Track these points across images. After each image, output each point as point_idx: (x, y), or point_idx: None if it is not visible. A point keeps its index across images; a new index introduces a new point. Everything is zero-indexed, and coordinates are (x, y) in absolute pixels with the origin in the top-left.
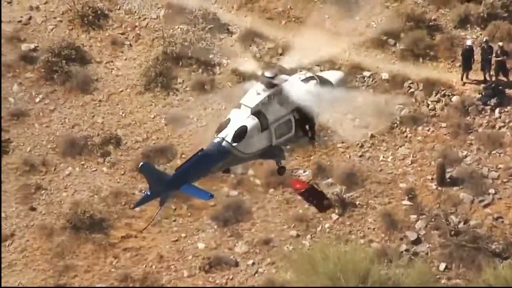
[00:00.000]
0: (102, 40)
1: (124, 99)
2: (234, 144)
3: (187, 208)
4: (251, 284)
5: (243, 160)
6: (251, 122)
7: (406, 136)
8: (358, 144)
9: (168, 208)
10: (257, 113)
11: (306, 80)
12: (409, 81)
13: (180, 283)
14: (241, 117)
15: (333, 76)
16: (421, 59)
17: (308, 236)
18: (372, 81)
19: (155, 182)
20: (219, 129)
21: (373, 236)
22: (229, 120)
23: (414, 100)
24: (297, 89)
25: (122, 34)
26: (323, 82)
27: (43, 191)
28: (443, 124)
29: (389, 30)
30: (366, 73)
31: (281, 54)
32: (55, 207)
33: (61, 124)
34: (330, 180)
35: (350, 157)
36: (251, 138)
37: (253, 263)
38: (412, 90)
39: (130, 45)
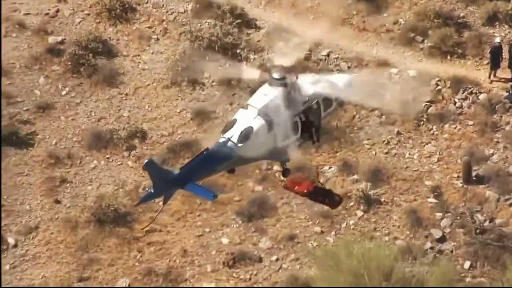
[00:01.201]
0: (129, 34)
1: (151, 93)
2: (240, 145)
3: (212, 202)
4: (275, 280)
5: (248, 161)
6: (257, 123)
7: (433, 133)
8: (384, 141)
9: (193, 203)
10: (263, 114)
11: (314, 82)
12: (437, 79)
13: (204, 278)
14: (248, 118)
15: (342, 79)
16: (448, 57)
17: (333, 233)
18: (399, 78)
19: (160, 180)
20: (225, 129)
21: (398, 233)
22: (235, 120)
23: (441, 98)
24: (305, 91)
25: (149, 27)
26: (331, 84)
27: (68, 184)
28: (470, 122)
29: (417, 27)
30: (394, 70)
31: (308, 50)
32: (79, 200)
33: (87, 117)
34: (355, 176)
35: (376, 154)
36: (257, 139)
37: (277, 259)
38: (439, 87)
39: (157, 39)
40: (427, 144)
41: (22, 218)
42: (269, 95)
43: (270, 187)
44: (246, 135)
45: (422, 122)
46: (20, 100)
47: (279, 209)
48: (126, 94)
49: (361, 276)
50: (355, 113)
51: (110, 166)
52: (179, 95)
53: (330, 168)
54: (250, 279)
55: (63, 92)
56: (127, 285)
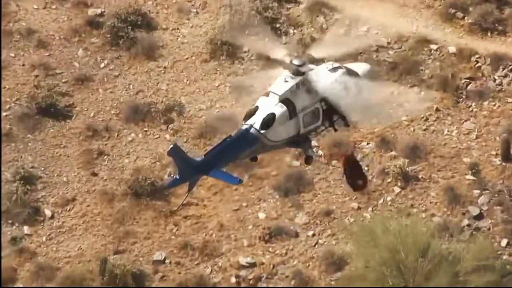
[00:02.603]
0: (169, 7)
1: (189, 67)
2: (262, 132)
3: (249, 177)
4: (311, 255)
5: (271, 148)
6: (279, 109)
7: (472, 110)
8: (422, 117)
9: None
10: (285, 101)
11: (334, 69)
12: (477, 55)
13: (240, 252)
14: (269, 105)
15: (360, 68)
16: (489, 33)
17: (370, 209)
18: (439, 54)
19: (184, 167)
20: (247, 116)
21: (435, 210)
22: (257, 107)
23: (480, 75)
24: (325, 78)
25: (189, 1)
26: (350, 72)
27: (105, 157)
28: (510, 100)
29: (457, 4)
30: (433, 46)
31: (348, 25)
32: (116, 173)
33: (125, 90)
34: (393, 153)
35: (414, 130)
36: (279, 126)
37: (313, 234)
38: (479, 64)
39: (197, 12)
40: (465, 121)
41: (59, 190)
42: (290, 82)
43: None
44: (268, 122)
45: (461, 99)
46: (59, 72)
47: (316, 184)
48: (165, 68)
49: (397, 252)
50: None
51: (148, 139)
52: (218, 69)
53: (368, 144)
54: (286, 253)
55: (102, 65)
56: (163, 258)
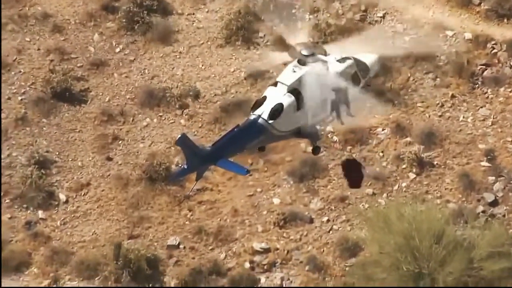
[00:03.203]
0: None
1: (204, 52)
2: (270, 122)
3: (264, 162)
4: (325, 241)
5: (279, 138)
6: (287, 99)
7: (488, 97)
8: (438, 103)
9: (245, 163)
10: (293, 91)
11: (342, 60)
12: (493, 42)
13: (254, 238)
14: (278, 95)
15: (369, 58)
16: (505, 20)
17: (384, 195)
18: (455, 40)
19: (192, 156)
20: (255, 106)
21: (450, 196)
22: (265, 97)
23: (496, 61)
24: (333, 69)
25: None
26: (359, 63)
27: (120, 142)
28: None
29: None
30: (449, 33)
31: (364, 11)
32: (131, 157)
33: (141, 75)
34: (408, 139)
35: (429, 116)
36: (287, 116)
37: (328, 220)
38: (495, 50)
39: None
40: (481, 107)
41: (74, 175)
42: (298, 72)
43: (322, 148)
44: (276, 112)
45: (477, 85)
46: (74, 57)
47: (330, 170)
48: (180, 53)
49: (411, 238)
50: (409, 75)
51: (163, 124)
52: (233, 54)
53: (383, 130)
54: (300, 239)
55: (117, 49)
56: (177, 243)
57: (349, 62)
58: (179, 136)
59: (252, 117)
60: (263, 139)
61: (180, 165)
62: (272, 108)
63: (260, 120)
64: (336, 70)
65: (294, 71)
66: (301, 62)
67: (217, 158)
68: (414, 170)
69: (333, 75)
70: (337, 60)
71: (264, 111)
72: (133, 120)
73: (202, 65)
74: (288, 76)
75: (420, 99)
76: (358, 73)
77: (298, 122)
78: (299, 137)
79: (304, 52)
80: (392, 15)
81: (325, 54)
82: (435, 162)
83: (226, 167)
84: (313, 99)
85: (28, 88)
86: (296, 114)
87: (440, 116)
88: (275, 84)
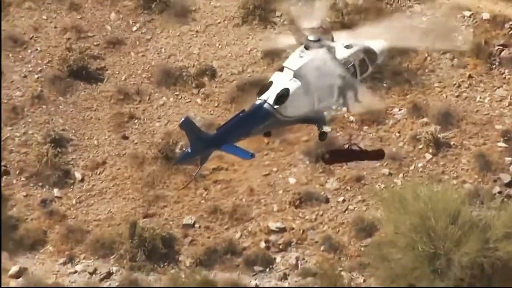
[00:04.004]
0: None
1: (221, 31)
2: (276, 107)
3: (280, 142)
4: (341, 221)
5: (284, 124)
6: (293, 85)
7: (505, 77)
8: (455, 84)
9: (261, 142)
10: (299, 76)
11: (349, 46)
12: (510, 22)
13: (270, 217)
14: (284, 80)
15: (377, 44)
16: None
17: (400, 175)
18: (472, 20)
19: (196, 140)
20: (261, 91)
21: (466, 177)
22: (271, 82)
23: None
24: (340, 54)
25: None
26: (366, 49)
27: (136, 120)
28: None
29: None
30: (467, 13)
31: None
32: (147, 136)
33: (157, 53)
34: (425, 119)
35: (446, 97)
36: (293, 101)
37: (344, 200)
38: None
39: None
40: (498, 88)
41: (90, 153)
42: (304, 57)
43: (338, 127)
44: (282, 97)
45: (494, 66)
46: (91, 35)
47: None
48: (197, 32)
49: (427, 218)
50: (426, 55)
51: (179, 103)
52: (250, 33)
53: (399, 110)
54: (315, 219)
55: (134, 28)
56: (192, 223)
57: (356, 48)
58: (183, 119)
59: (257, 102)
60: (269, 124)
61: (184, 149)
62: (278, 93)
63: (265, 105)
64: (343, 56)
65: (301, 56)
66: (308, 47)
67: (222, 142)
68: (430, 151)
69: (340, 61)
70: (345, 46)
71: (270, 96)
72: (149, 99)
73: (219, 44)
74: (294, 61)
75: (437, 80)
76: (365, 59)
77: (304, 107)
78: (305, 123)
79: (311, 38)
80: None
81: (332, 39)
82: (451, 143)
83: (230, 152)
84: (320, 84)
85: (44, 66)
86: (302, 99)
87: (457, 96)
88: (281, 69)
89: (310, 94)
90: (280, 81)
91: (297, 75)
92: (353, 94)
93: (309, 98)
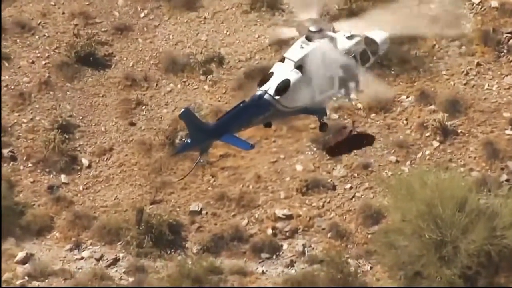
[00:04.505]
0: None
1: (229, 18)
2: (277, 97)
3: (287, 129)
4: (348, 208)
5: (285, 114)
6: (294, 75)
7: None
8: (463, 71)
9: (268, 129)
10: (300, 67)
11: (351, 37)
12: None
13: (277, 204)
14: (284, 71)
15: (378, 35)
16: None
17: (408, 162)
18: (480, 8)
19: (196, 131)
20: (262, 82)
21: (473, 165)
22: (272, 73)
23: None
24: (341, 45)
25: None
26: (368, 40)
27: (143, 107)
28: None
29: None
30: (475, 0)
31: None
32: (154, 123)
33: (165, 40)
34: (432, 107)
35: (454, 84)
36: (293, 92)
37: (351, 187)
38: None
39: None
40: (506, 75)
41: (97, 139)
42: (305, 48)
43: (346, 115)
44: (283, 88)
45: (503, 54)
46: (99, 21)
47: None
48: (205, 18)
49: (434, 206)
50: (434, 42)
51: (186, 90)
52: (258, 20)
53: (407, 97)
54: (323, 206)
55: (142, 14)
56: (199, 209)
57: (358, 39)
58: (183, 110)
59: (258, 92)
60: (269, 115)
61: (183, 139)
62: (278, 84)
63: (266, 96)
64: (345, 47)
65: (302, 47)
66: (309, 38)
67: (222, 133)
68: (438, 138)
69: (341, 52)
70: (346, 37)
71: (270, 87)
72: (156, 85)
73: (227, 31)
74: (295, 52)
75: (445, 67)
76: (367, 50)
77: (305, 98)
78: (306, 114)
79: (312, 29)
80: None
81: (334, 30)
82: (459, 130)
83: (230, 142)
84: (321, 75)
85: (52, 52)
86: (302, 90)
87: (465, 84)
88: (282, 60)
89: (311, 85)
90: (281, 72)
91: (298, 66)
92: (354, 85)
93: (310, 89)
